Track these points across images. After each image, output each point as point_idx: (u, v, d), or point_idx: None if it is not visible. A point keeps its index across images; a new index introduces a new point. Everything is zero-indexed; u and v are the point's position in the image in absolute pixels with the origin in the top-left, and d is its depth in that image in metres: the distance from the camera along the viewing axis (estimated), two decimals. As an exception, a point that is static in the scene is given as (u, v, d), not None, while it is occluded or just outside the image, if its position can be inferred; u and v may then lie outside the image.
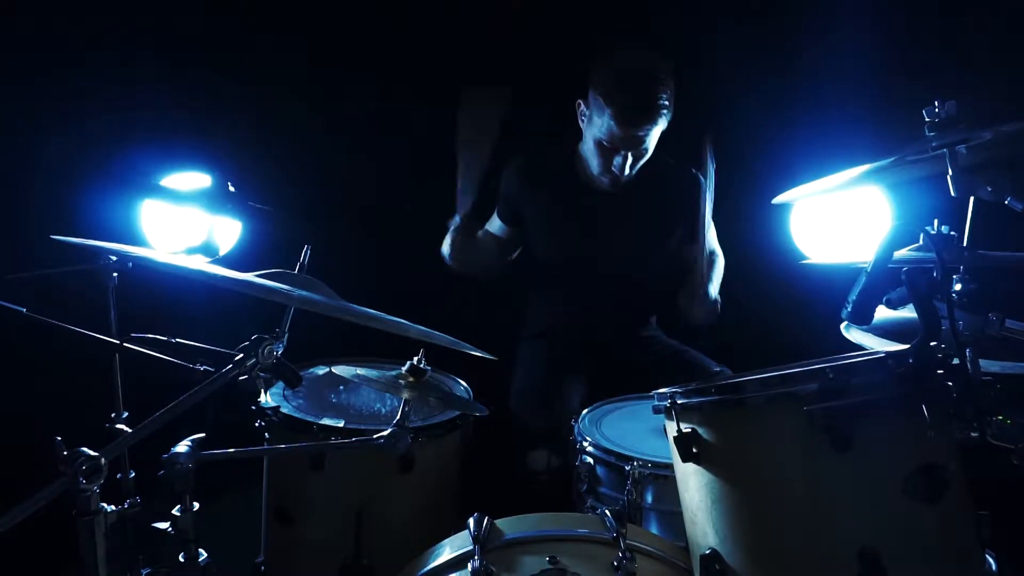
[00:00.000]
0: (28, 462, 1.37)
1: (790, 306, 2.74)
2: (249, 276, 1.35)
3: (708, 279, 2.33)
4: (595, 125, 2.23)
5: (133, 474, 1.74)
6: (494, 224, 2.51)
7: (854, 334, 1.70)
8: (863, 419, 1.19)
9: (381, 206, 2.98)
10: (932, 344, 1.22)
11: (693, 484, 1.36)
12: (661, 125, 2.22)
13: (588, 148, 2.30)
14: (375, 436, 1.54)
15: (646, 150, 2.26)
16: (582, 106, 2.30)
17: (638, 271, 2.45)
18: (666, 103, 2.19)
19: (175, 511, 1.24)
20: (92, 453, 1.08)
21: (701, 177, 2.45)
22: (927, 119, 1.47)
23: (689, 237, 2.48)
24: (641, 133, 2.19)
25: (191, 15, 2.63)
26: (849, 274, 1.42)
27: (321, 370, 2.07)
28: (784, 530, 1.25)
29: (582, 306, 2.40)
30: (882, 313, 1.63)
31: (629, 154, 2.23)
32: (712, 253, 2.57)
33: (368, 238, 2.96)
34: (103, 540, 1.15)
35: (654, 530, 1.69)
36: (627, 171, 2.27)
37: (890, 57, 2.61)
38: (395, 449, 1.53)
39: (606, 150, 2.24)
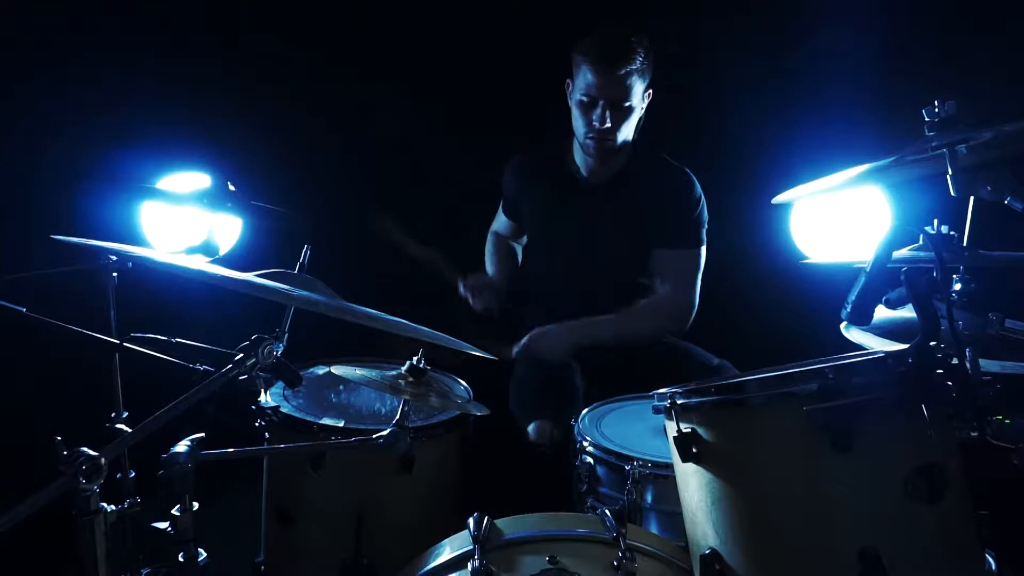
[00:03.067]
0: (28, 462, 1.37)
1: (790, 306, 2.74)
2: (249, 276, 1.35)
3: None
4: (576, 88, 2.28)
5: (133, 474, 1.74)
6: (500, 222, 2.65)
7: (854, 334, 1.70)
8: (863, 419, 1.19)
9: (381, 206, 2.98)
10: (932, 344, 1.22)
11: (693, 484, 1.36)
12: (638, 81, 2.24)
13: (574, 117, 2.32)
14: (375, 436, 1.54)
15: (630, 107, 2.26)
16: (570, 85, 2.34)
17: (633, 267, 2.45)
18: (640, 53, 2.22)
19: (175, 511, 1.24)
20: (92, 453, 1.08)
21: (695, 178, 2.43)
22: (927, 119, 1.47)
23: (678, 241, 2.38)
24: (619, 73, 2.19)
25: (191, 15, 2.63)
26: (849, 274, 1.42)
27: (321, 370, 2.07)
28: (784, 530, 1.25)
29: (582, 303, 2.39)
30: (882, 313, 1.64)
31: (608, 111, 2.23)
32: (673, 290, 2.40)
33: (368, 238, 2.96)
34: (103, 540, 1.15)
35: (654, 530, 1.69)
36: (610, 128, 2.24)
37: (890, 57, 2.61)
38: (395, 449, 1.53)
39: (585, 106, 2.26)
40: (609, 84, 2.21)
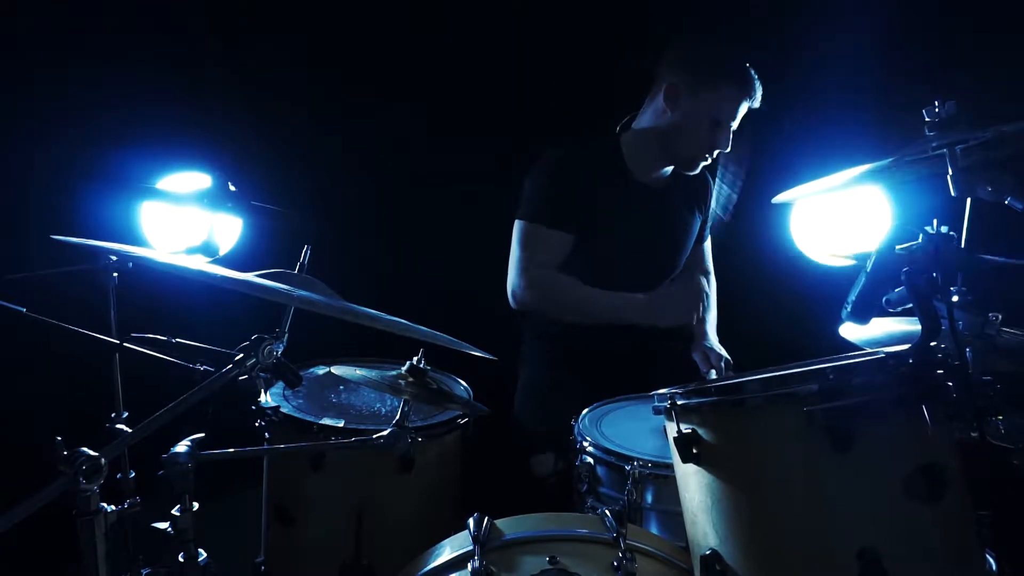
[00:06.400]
0: (28, 462, 1.37)
1: (790, 306, 2.74)
2: (249, 276, 1.35)
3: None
4: (704, 102, 2.21)
5: (133, 474, 1.73)
6: (546, 247, 2.27)
7: (851, 331, 1.70)
8: (863, 419, 1.19)
9: (381, 206, 2.98)
10: (932, 344, 1.22)
11: (693, 484, 1.36)
12: None
13: (685, 128, 2.25)
14: (375, 436, 1.54)
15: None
16: (678, 89, 2.24)
17: (665, 271, 2.44)
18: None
19: (175, 511, 1.24)
20: (92, 453, 1.08)
21: (710, 178, 2.49)
22: (927, 119, 1.48)
23: (697, 239, 2.55)
24: (750, 104, 2.24)
25: (191, 15, 2.63)
26: (849, 274, 1.42)
27: (321, 370, 2.07)
28: (784, 530, 1.25)
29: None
30: (881, 327, 1.64)
31: (730, 134, 2.25)
32: (708, 273, 2.64)
33: (368, 238, 2.96)
34: (103, 540, 1.15)
35: (654, 530, 1.69)
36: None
37: (890, 57, 2.61)
38: (395, 449, 1.53)
39: (713, 127, 2.23)
40: (739, 112, 2.24)
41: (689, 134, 2.25)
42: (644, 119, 2.34)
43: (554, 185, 2.29)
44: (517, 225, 2.32)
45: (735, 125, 2.26)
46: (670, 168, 2.39)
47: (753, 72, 2.23)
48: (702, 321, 2.40)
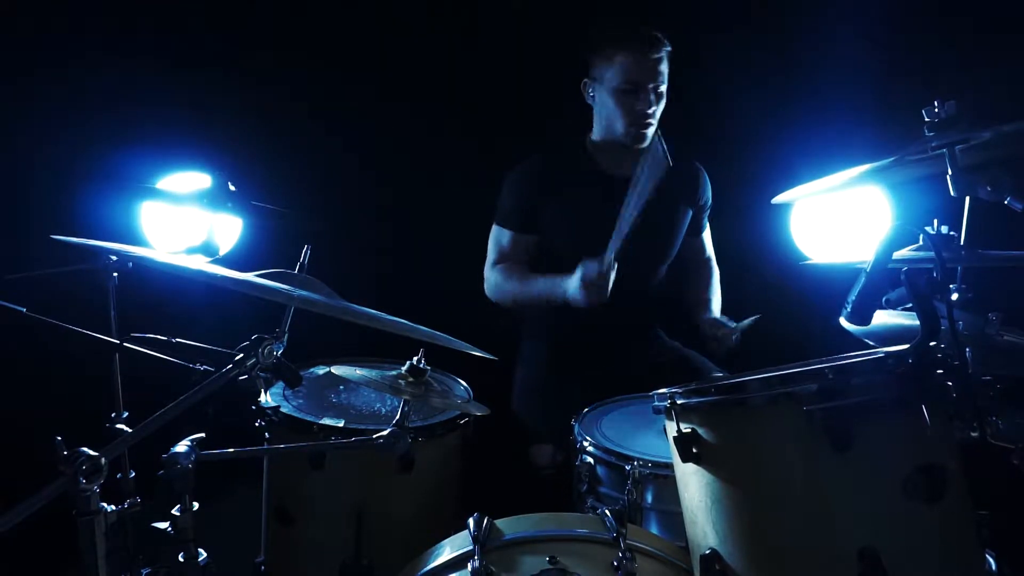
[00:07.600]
0: (28, 462, 1.37)
1: (790, 306, 2.73)
2: (249, 276, 1.35)
3: (714, 303, 2.50)
4: (607, 80, 2.27)
5: (133, 474, 1.74)
6: (506, 248, 2.43)
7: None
8: (863, 419, 1.19)
9: (381, 206, 2.98)
10: (932, 344, 1.22)
11: (693, 484, 1.36)
12: (667, 67, 2.27)
13: (608, 111, 2.30)
14: (375, 436, 1.54)
15: (663, 93, 2.28)
16: (588, 84, 2.34)
17: (651, 266, 2.45)
18: (665, 39, 2.27)
19: (175, 511, 1.24)
20: (92, 453, 1.08)
21: (703, 169, 2.49)
22: (927, 119, 1.48)
23: (692, 230, 2.54)
24: (655, 57, 2.23)
25: (191, 15, 2.63)
26: (849, 274, 1.42)
27: (321, 370, 2.07)
28: (784, 530, 1.25)
29: (609, 305, 2.29)
30: (881, 319, 1.64)
31: (651, 95, 2.25)
32: (709, 260, 2.63)
33: (368, 238, 2.96)
34: (103, 540, 1.15)
35: (654, 530, 1.69)
36: (652, 112, 2.27)
37: (890, 57, 2.61)
38: (395, 449, 1.53)
39: (627, 93, 2.25)
40: (649, 68, 2.24)
41: (611, 112, 2.30)
42: (593, 129, 2.41)
43: (522, 193, 2.41)
44: (493, 228, 2.47)
45: (656, 83, 2.25)
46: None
47: (643, 29, 2.25)
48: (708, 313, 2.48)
